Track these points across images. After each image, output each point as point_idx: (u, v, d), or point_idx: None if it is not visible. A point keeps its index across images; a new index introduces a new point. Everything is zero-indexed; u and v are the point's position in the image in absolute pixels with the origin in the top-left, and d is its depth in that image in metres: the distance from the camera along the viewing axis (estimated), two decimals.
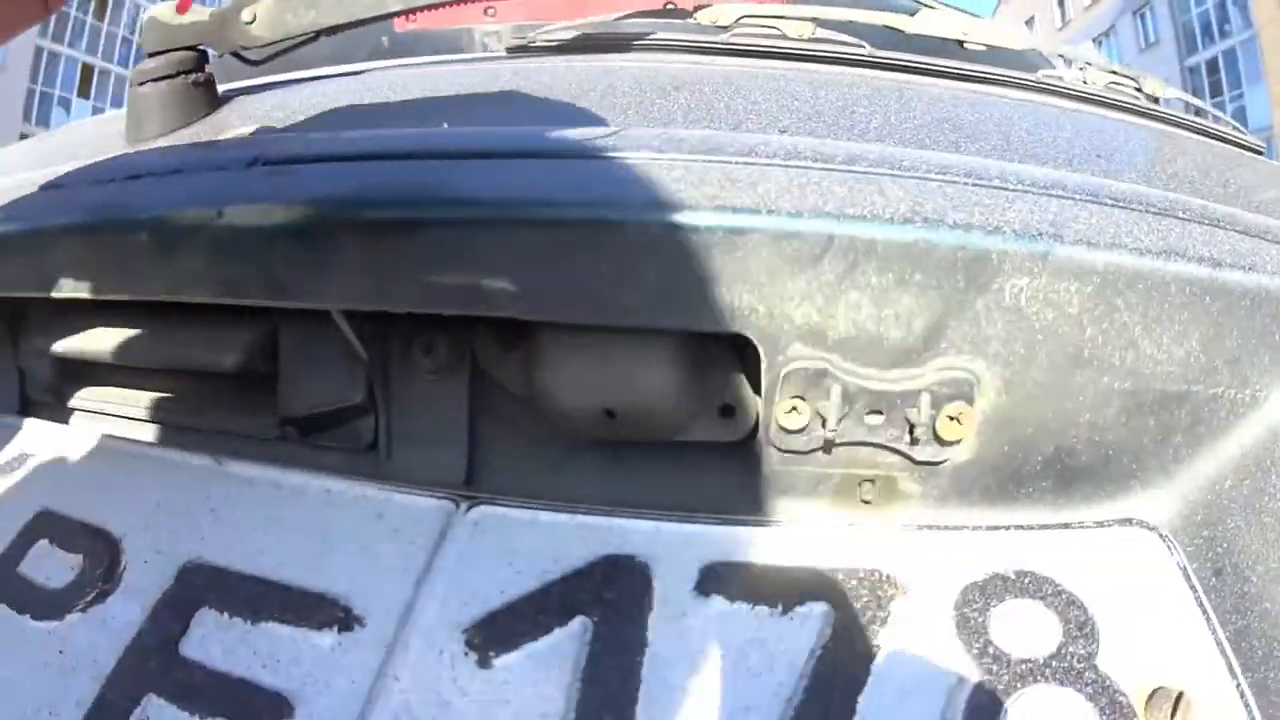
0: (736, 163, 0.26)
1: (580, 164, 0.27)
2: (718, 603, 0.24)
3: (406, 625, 0.24)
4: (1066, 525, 0.26)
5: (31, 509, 0.30)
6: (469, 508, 0.26)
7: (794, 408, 0.26)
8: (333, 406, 0.31)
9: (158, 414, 0.34)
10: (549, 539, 0.25)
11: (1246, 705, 0.22)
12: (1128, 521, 0.27)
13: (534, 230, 0.25)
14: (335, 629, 0.24)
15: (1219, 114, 0.65)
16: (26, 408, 0.36)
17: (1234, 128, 0.63)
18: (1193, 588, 0.24)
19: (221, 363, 0.31)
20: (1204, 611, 0.24)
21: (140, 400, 0.35)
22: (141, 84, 0.38)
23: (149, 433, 0.34)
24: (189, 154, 0.33)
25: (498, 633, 0.24)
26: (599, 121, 0.32)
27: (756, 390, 0.27)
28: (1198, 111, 0.64)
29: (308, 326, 0.29)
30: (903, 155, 0.27)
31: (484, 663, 0.23)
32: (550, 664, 0.23)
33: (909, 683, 0.22)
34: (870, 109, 0.34)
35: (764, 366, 0.25)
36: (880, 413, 0.26)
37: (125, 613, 0.26)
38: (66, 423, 0.36)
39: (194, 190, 0.29)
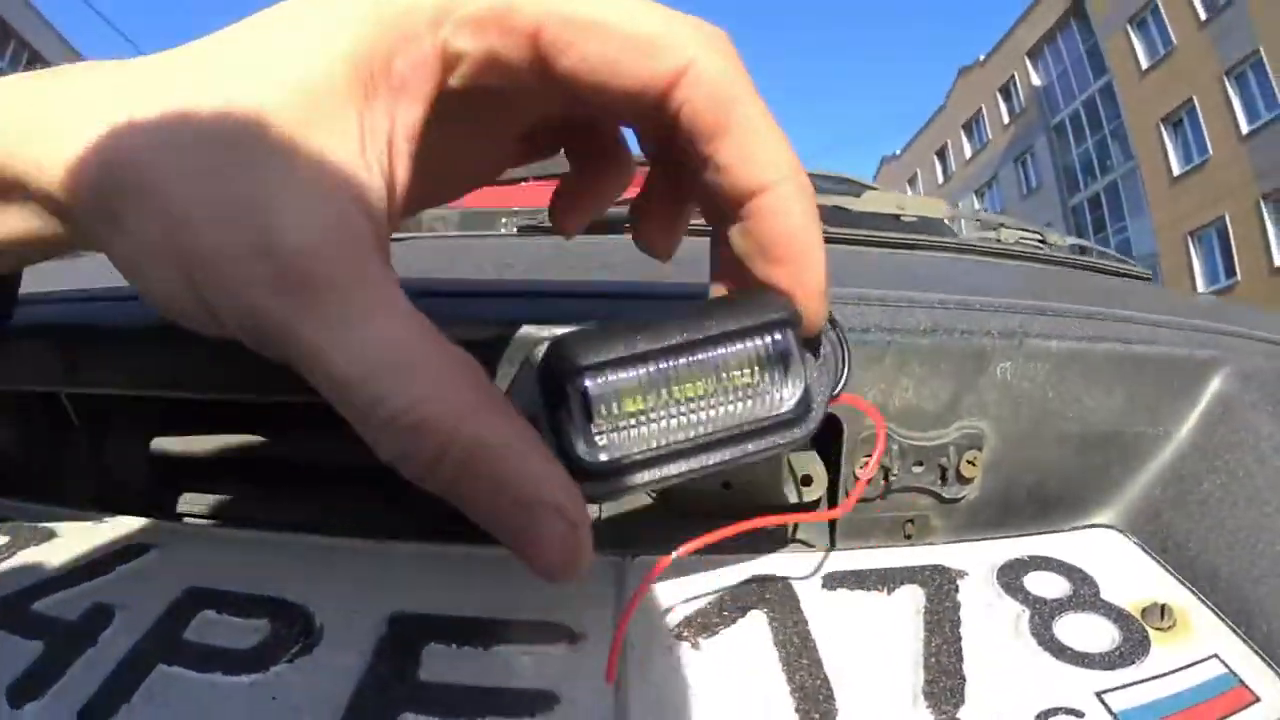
0: None
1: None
2: (843, 595, 0.31)
3: (624, 632, 0.28)
4: (1049, 533, 0.37)
5: (174, 589, 0.29)
6: (633, 557, 0.32)
7: (865, 463, 0.35)
8: None
9: (282, 514, 0.37)
10: (699, 573, 0.31)
11: (1208, 608, 0.32)
12: (1092, 526, 0.38)
13: None
14: (565, 642, 0.28)
15: (1105, 250, 0.85)
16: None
17: (1120, 260, 0.82)
18: (1149, 555, 0.35)
19: (369, 460, 0.35)
20: (1162, 566, 0.35)
21: (256, 505, 0.37)
22: None
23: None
24: None
25: (695, 629, 0.29)
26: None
27: (824, 460, 0.35)
28: (1083, 250, 0.82)
29: None
30: (911, 294, 0.37)
31: (695, 646, 0.28)
32: (747, 640, 0.29)
33: (988, 626, 0.31)
34: (860, 268, 0.46)
35: (845, 435, 0.34)
36: (921, 464, 0.35)
37: (340, 659, 0.27)
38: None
39: None
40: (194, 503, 0.39)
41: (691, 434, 0.22)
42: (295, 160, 0.20)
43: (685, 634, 0.29)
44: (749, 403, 0.23)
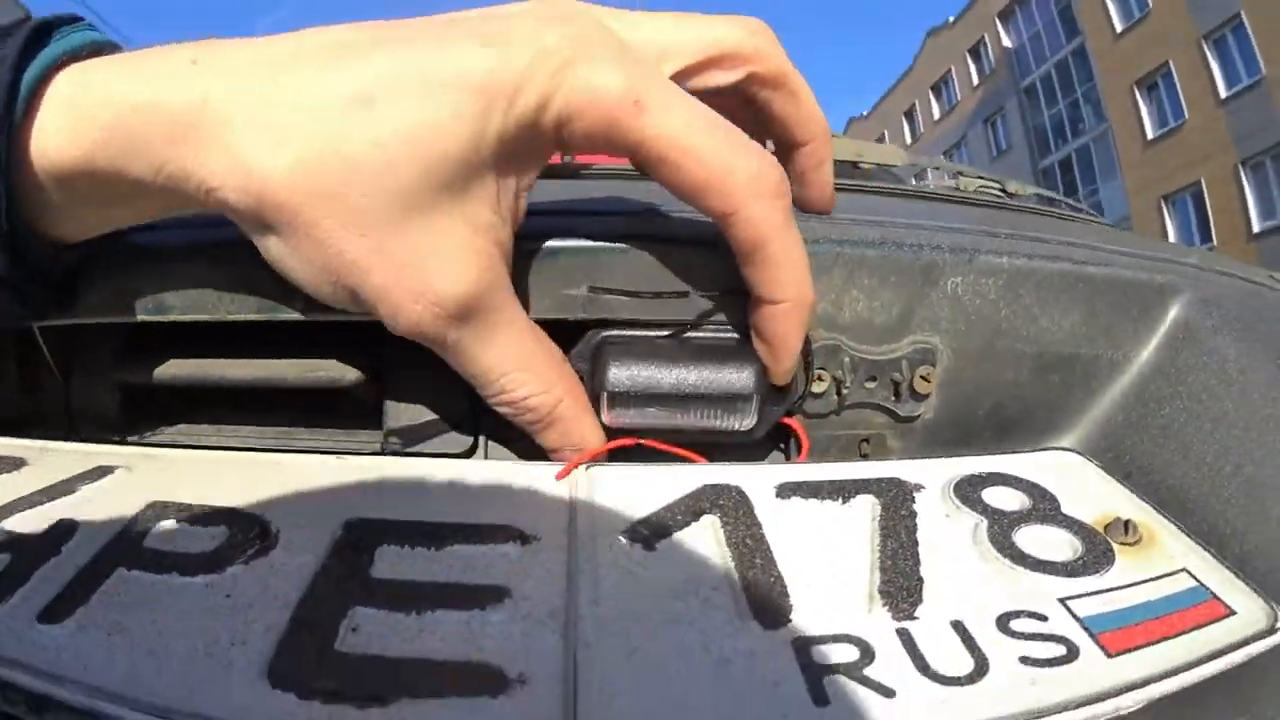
0: None
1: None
2: (796, 503, 0.31)
3: (574, 536, 0.29)
4: (1009, 454, 0.36)
5: (136, 504, 0.30)
6: (587, 468, 0.32)
7: (819, 376, 0.35)
8: (437, 415, 0.36)
9: (239, 440, 0.37)
10: (658, 478, 0.32)
11: (1175, 527, 0.32)
12: (1053, 449, 0.38)
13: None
14: (517, 542, 0.28)
15: (1070, 201, 0.86)
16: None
17: (1086, 210, 0.83)
18: (1113, 478, 0.35)
19: (344, 379, 0.35)
20: (1126, 488, 0.34)
21: (218, 430, 0.37)
22: None
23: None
24: None
25: (649, 531, 0.29)
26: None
27: None
28: (1050, 201, 0.83)
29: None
30: (866, 215, 0.38)
31: (648, 546, 0.29)
32: (698, 540, 0.29)
33: (945, 534, 0.31)
34: None
35: (809, 339, 0.35)
36: (874, 378, 0.36)
37: (295, 560, 0.27)
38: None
39: None
40: (161, 432, 0.39)
41: (672, 424, 0.34)
42: (450, 222, 0.28)
43: (636, 533, 0.29)
44: (718, 416, 0.34)
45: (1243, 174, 13.22)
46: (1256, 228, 12.90)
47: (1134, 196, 15.13)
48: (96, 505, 0.30)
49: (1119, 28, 15.15)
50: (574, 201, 0.42)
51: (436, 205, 0.27)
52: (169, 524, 0.29)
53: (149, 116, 0.26)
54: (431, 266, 0.27)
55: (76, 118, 0.26)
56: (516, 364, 0.31)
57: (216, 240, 0.33)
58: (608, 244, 0.34)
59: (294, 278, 0.29)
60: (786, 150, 0.37)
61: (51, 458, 0.33)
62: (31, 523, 0.29)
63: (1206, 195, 13.88)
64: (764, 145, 0.35)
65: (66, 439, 0.36)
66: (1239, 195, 13.31)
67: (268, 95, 0.26)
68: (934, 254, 0.36)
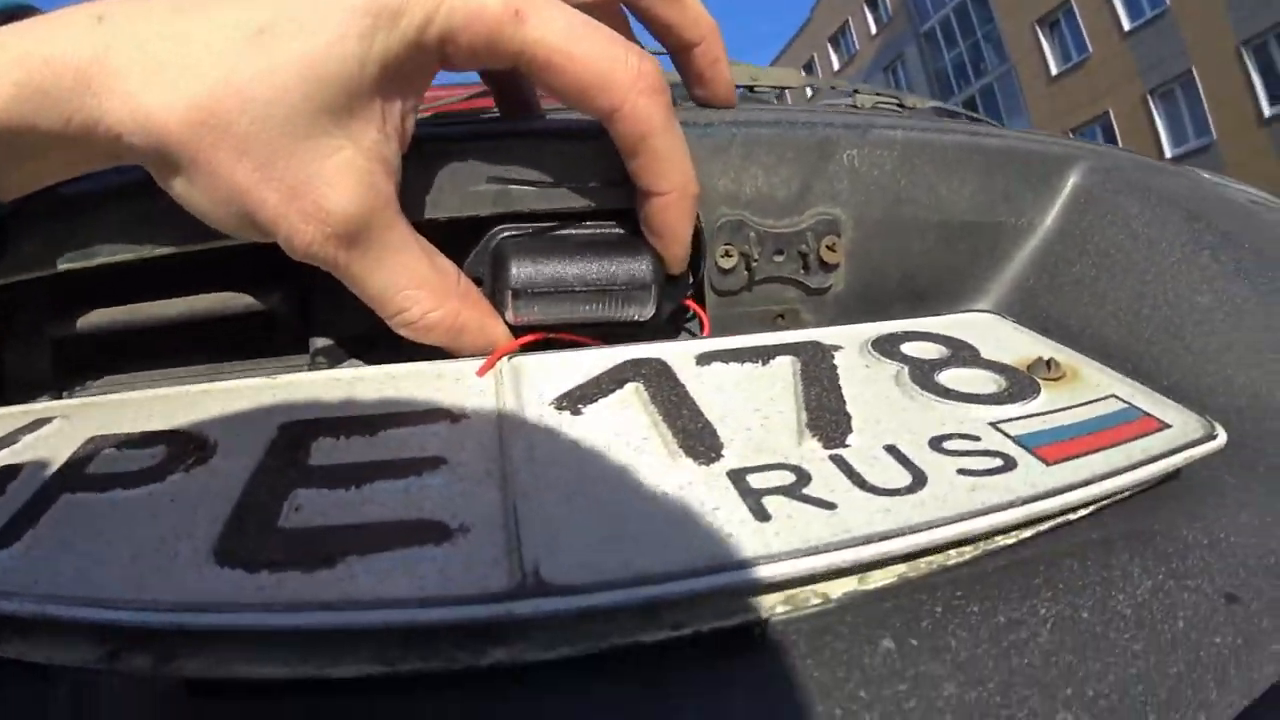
0: None
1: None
2: (717, 366, 0.33)
3: (503, 410, 0.30)
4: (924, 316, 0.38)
5: (76, 443, 0.30)
6: (509, 359, 0.33)
7: (726, 252, 0.37)
8: (364, 332, 0.36)
9: (172, 381, 0.37)
10: (578, 360, 0.33)
11: (1097, 365, 0.34)
12: (968, 310, 0.40)
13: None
14: (448, 420, 0.29)
15: (971, 113, 0.88)
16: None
17: (989, 120, 0.85)
18: (1028, 330, 0.37)
19: (268, 303, 0.36)
20: (1042, 338, 0.37)
21: (149, 376, 0.37)
22: None
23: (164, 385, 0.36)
24: None
25: (576, 398, 0.30)
26: None
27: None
28: (950, 114, 0.85)
29: None
30: (762, 108, 0.39)
31: (575, 411, 0.30)
32: (625, 403, 0.30)
33: (868, 380, 0.33)
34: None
35: (702, 223, 0.36)
36: (781, 252, 0.38)
37: (234, 463, 0.28)
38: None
39: None
40: (93, 386, 0.39)
41: (576, 317, 0.35)
42: (337, 143, 0.28)
43: (563, 404, 0.30)
44: (619, 306, 0.35)
45: (1151, 103, 13.63)
46: (1169, 153, 13.25)
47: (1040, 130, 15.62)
48: (37, 449, 0.31)
49: None
50: (467, 114, 0.43)
51: (324, 128, 0.28)
52: (109, 452, 0.30)
53: (57, 70, 0.27)
54: (321, 188, 0.28)
55: None
56: (409, 281, 0.31)
57: (134, 180, 0.33)
58: (509, 139, 0.35)
59: (199, 212, 0.30)
60: (680, 54, 0.39)
61: None
62: None
63: (1115, 125, 14.28)
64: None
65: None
66: (1149, 123, 13.72)
67: (165, 38, 0.27)
68: (828, 130, 0.38)
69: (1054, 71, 15.44)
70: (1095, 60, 14.43)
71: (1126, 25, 13.79)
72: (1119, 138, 14.03)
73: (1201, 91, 12.80)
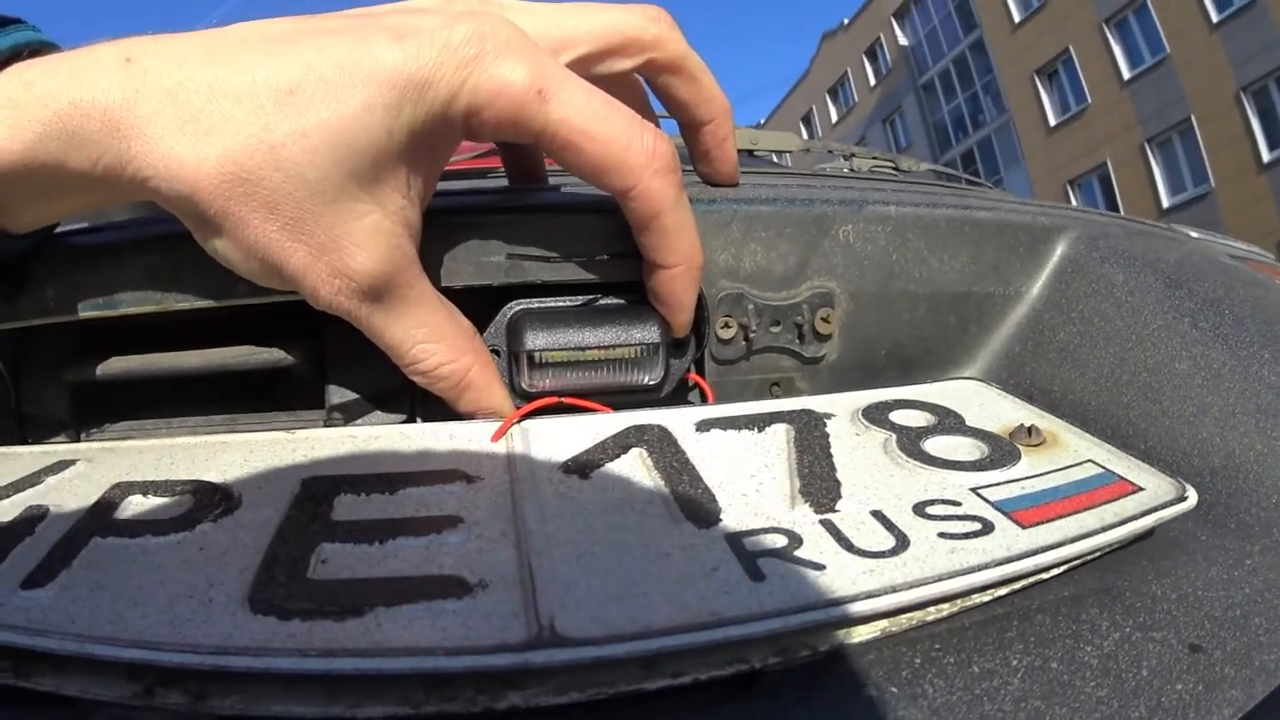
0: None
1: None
2: (716, 434, 0.35)
3: (514, 473, 0.32)
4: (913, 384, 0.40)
5: (102, 487, 0.32)
6: (519, 421, 0.35)
7: (726, 323, 0.39)
8: (375, 391, 0.38)
9: (188, 430, 0.39)
10: (585, 425, 0.35)
11: (1077, 431, 0.36)
12: (955, 378, 0.43)
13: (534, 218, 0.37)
14: (463, 480, 0.31)
15: (970, 176, 0.90)
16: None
17: (987, 184, 0.88)
18: (1012, 397, 0.39)
19: (286, 359, 0.38)
20: (1027, 404, 0.38)
21: (167, 423, 0.39)
22: None
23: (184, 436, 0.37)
24: None
25: (584, 462, 0.32)
26: None
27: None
28: (948, 178, 0.87)
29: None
30: (760, 180, 0.41)
31: (584, 475, 0.32)
32: (628, 468, 0.32)
33: (857, 447, 0.35)
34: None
35: (705, 295, 0.38)
36: (778, 323, 0.40)
37: (259, 515, 0.30)
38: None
39: None
40: (111, 430, 0.40)
41: (587, 384, 0.38)
42: (365, 208, 0.30)
43: (571, 468, 0.32)
44: (628, 373, 0.38)
45: (1149, 152, 13.63)
46: (1166, 203, 13.27)
47: (1038, 183, 15.45)
48: (64, 492, 0.32)
49: (1017, 18, 15.52)
50: (487, 184, 0.45)
51: (351, 191, 0.29)
52: (136, 498, 0.32)
53: (85, 112, 0.27)
54: (347, 248, 0.30)
55: (18, 116, 0.27)
56: (427, 335, 0.33)
57: (160, 234, 0.35)
58: (522, 214, 0.37)
59: (225, 259, 0.31)
60: (691, 129, 0.40)
61: (10, 460, 0.35)
62: (1, 513, 0.31)
63: (1114, 176, 14.30)
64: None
65: (18, 444, 0.38)
66: (1146, 173, 13.70)
67: (197, 87, 0.27)
68: (825, 206, 0.40)
69: (1053, 122, 15.34)
70: (1094, 109, 14.39)
71: (1126, 74, 13.73)
72: (1117, 188, 14.24)
73: (1200, 139, 12.67)
